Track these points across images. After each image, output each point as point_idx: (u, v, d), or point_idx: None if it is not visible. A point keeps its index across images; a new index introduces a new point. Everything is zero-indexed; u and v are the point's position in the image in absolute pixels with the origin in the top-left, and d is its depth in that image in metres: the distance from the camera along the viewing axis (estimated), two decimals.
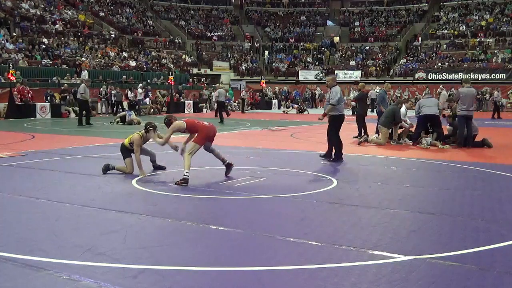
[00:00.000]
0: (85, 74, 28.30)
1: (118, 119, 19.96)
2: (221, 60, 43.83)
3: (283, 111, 31.25)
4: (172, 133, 7.45)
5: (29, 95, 23.32)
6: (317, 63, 44.51)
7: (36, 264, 3.76)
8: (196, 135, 7.44)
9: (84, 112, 18.60)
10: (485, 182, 7.60)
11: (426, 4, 48.17)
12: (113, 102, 26.05)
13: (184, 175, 7.06)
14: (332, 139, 9.73)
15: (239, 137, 14.68)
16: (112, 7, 43.34)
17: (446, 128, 12.95)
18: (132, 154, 7.92)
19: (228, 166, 7.75)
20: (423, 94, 12.92)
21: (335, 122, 9.68)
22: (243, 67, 43.21)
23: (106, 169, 7.86)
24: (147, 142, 8.12)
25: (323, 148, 11.38)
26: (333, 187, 6.97)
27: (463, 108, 11.80)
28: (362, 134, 13.75)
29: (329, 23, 50.53)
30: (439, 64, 39.87)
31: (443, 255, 4.03)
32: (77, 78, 28.07)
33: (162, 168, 8.20)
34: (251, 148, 11.69)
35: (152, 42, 41.41)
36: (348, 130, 16.31)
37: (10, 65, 23.76)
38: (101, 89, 26.89)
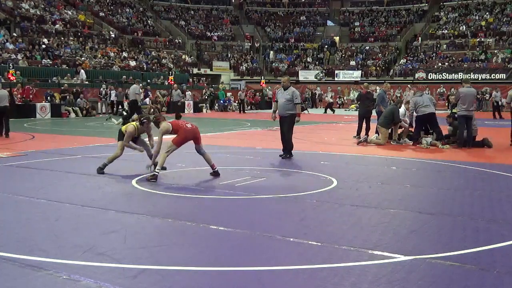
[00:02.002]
0: (82, 73, 28.27)
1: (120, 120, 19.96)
2: (221, 60, 43.81)
3: None
4: (163, 136, 7.50)
5: (31, 96, 23.27)
6: (317, 63, 44.50)
7: (36, 264, 3.76)
8: (176, 135, 7.51)
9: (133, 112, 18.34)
10: (485, 182, 7.60)
11: (426, 4, 48.10)
12: (114, 102, 26.04)
13: (154, 172, 7.29)
14: (290, 136, 10.00)
15: (239, 137, 14.68)
16: (112, 7, 43.31)
17: (446, 128, 12.95)
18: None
19: (215, 174, 7.72)
20: (413, 93, 12.89)
21: (293, 121, 9.98)
22: (243, 67, 43.20)
23: (101, 169, 7.89)
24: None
25: (323, 148, 11.40)
26: (333, 187, 6.96)
27: (463, 108, 11.79)
28: (364, 134, 13.70)
29: (329, 23, 50.47)
30: (439, 64, 39.84)
31: (443, 255, 4.04)
32: (78, 78, 28.08)
33: (163, 168, 8.19)
34: (251, 148, 11.68)
35: (152, 42, 41.39)
36: (348, 130, 16.32)
37: (10, 65, 23.76)
38: (101, 89, 26.89)
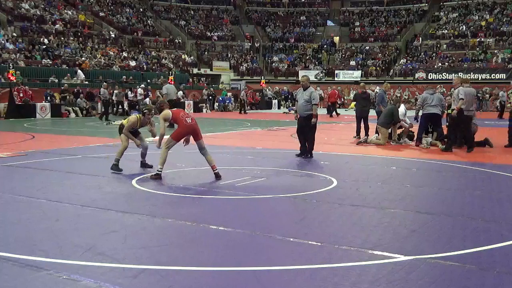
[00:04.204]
0: (79, 73, 28.21)
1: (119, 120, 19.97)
2: (221, 60, 43.82)
3: (286, 112, 31.02)
4: (164, 121, 7.51)
5: (21, 94, 23.12)
6: (316, 63, 44.51)
7: (36, 264, 3.76)
8: (175, 129, 7.57)
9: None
10: (485, 182, 7.60)
11: (426, 4, 48.12)
12: (114, 102, 26.01)
13: (158, 171, 7.35)
14: (311, 136, 10.01)
15: (239, 137, 14.68)
16: (112, 7, 43.32)
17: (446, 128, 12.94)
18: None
19: (216, 176, 7.66)
20: (426, 88, 12.81)
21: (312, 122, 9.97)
22: (243, 67, 43.20)
23: (116, 166, 7.91)
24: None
25: (323, 148, 11.40)
26: (333, 187, 6.96)
27: (462, 107, 11.79)
28: (364, 134, 13.67)
29: (329, 23, 50.48)
30: (439, 64, 39.85)
31: (443, 255, 4.03)
32: (78, 78, 28.05)
33: (149, 166, 8.20)
34: (251, 148, 11.68)
35: (152, 42, 41.39)
36: (348, 130, 16.33)
37: (10, 65, 23.75)
38: (101, 89, 26.86)
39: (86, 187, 6.85)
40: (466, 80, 12.96)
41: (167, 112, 7.55)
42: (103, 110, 22.86)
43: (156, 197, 6.33)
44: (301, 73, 42.45)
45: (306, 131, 10.04)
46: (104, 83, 24.14)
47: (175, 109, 7.88)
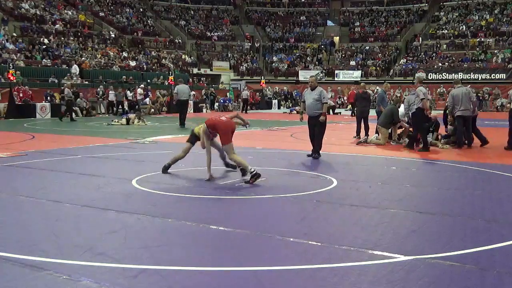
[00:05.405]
0: (75, 67, 28.12)
1: (117, 120, 19.94)
2: (221, 60, 43.81)
3: (287, 112, 31.02)
4: (206, 137, 7.52)
5: (21, 94, 23.10)
6: (317, 63, 44.50)
7: (36, 264, 3.76)
8: (219, 136, 7.47)
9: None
10: (485, 182, 7.59)
11: (426, 4, 48.11)
12: (114, 102, 26.04)
13: (251, 172, 7.12)
14: (321, 136, 9.96)
15: (239, 137, 14.64)
16: (112, 7, 43.31)
17: (446, 128, 12.95)
18: (197, 142, 7.97)
19: (229, 166, 7.75)
20: (406, 92, 12.94)
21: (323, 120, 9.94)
22: (243, 67, 43.20)
23: (166, 169, 7.88)
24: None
25: (323, 148, 11.37)
26: (333, 187, 6.96)
27: (457, 108, 11.91)
28: (364, 134, 13.67)
29: (329, 23, 50.46)
30: (439, 64, 39.85)
31: (443, 255, 4.03)
32: (72, 73, 27.96)
33: (234, 167, 8.13)
34: (251, 148, 11.68)
35: (152, 42, 41.39)
36: (349, 130, 16.33)
37: (10, 65, 23.76)
38: (98, 89, 26.82)
39: (86, 187, 6.85)
40: (457, 81, 13.10)
41: (202, 126, 7.51)
42: (64, 109, 21.91)
43: (156, 197, 6.33)
44: (301, 73, 42.51)
45: (317, 130, 9.94)
46: (67, 83, 23.78)
47: (207, 119, 7.76)
